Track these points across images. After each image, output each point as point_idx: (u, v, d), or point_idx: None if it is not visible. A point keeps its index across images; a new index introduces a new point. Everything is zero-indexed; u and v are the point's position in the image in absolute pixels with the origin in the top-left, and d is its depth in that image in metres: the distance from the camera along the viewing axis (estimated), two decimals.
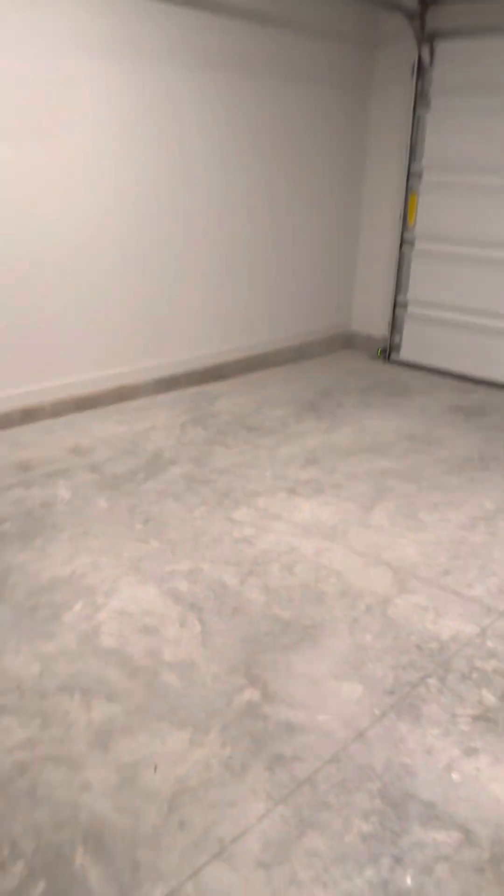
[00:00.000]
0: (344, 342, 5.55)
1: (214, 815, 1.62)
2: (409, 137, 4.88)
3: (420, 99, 4.78)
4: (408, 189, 4.98)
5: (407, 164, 4.93)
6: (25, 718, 1.86)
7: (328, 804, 1.66)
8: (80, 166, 3.66)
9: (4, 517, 2.84)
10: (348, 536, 2.81)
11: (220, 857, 1.52)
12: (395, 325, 5.29)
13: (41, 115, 3.45)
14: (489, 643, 2.22)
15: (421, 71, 4.72)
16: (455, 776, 1.74)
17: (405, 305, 5.20)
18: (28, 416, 3.75)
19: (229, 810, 1.63)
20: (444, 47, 4.62)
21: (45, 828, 1.57)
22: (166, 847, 1.54)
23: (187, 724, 1.86)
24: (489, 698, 1.99)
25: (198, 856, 1.52)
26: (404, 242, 5.09)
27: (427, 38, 4.63)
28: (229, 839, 1.56)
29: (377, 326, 5.39)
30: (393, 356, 5.31)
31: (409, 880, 1.49)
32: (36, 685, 1.97)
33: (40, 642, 2.14)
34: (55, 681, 1.99)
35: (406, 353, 5.25)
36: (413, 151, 4.89)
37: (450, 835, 1.59)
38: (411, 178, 4.94)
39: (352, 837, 1.58)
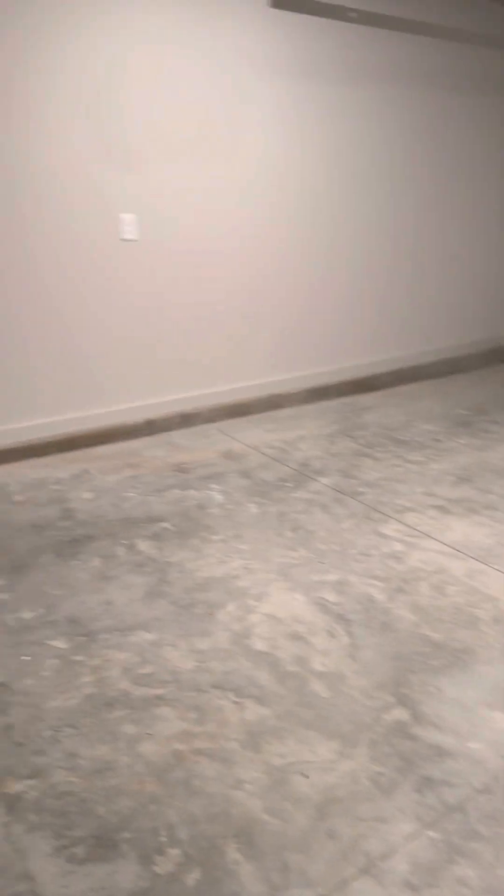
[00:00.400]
0: (502, 356, 5.36)
1: (363, 828, 1.63)
2: None
3: None
4: None
5: None
6: (182, 711, 1.96)
7: (479, 834, 1.62)
8: (247, 181, 3.79)
9: (165, 516, 3.00)
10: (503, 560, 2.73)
11: (367, 872, 1.53)
12: None
13: (214, 134, 3.61)
14: None
15: None
16: None
17: None
18: (186, 420, 3.93)
19: (378, 826, 1.64)
20: None
21: (200, 819, 1.66)
22: (315, 854, 1.58)
23: (336, 735, 1.89)
24: None
25: (345, 867, 1.55)
26: None
27: None
28: (377, 855, 1.57)
29: None
30: None
31: None
32: (192, 680, 2.07)
33: (196, 639, 2.25)
34: (210, 677, 2.08)
35: None
36: None
37: None
38: None
39: (503, 871, 1.54)
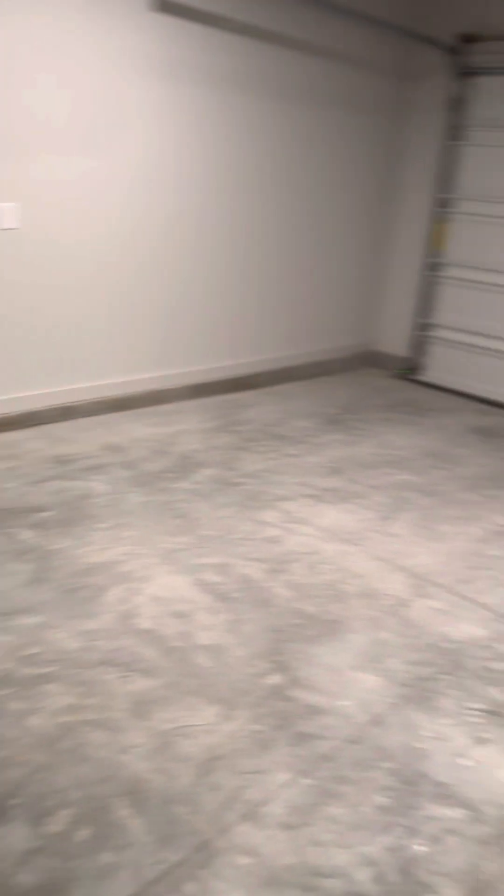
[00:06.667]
0: (368, 360, 5.71)
1: (243, 781, 1.77)
2: (438, 168, 5.06)
3: (453, 131, 4.96)
4: (436, 217, 5.16)
5: (436, 193, 5.11)
6: (68, 686, 2.02)
7: (347, 778, 1.80)
8: (126, 180, 3.86)
9: (46, 506, 3.01)
10: (369, 542, 2.96)
11: (248, 818, 1.67)
12: (418, 346, 5.45)
13: (96, 133, 3.66)
14: (500, 647, 2.36)
15: (455, 104, 4.90)
16: (465, 761, 1.88)
17: (428, 328, 5.36)
18: (66, 413, 3.94)
19: (257, 777, 1.78)
20: (479, 83, 4.82)
21: (90, 782, 1.73)
22: (199, 805, 1.69)
23: (217, 701, 2.01)
24: (499, 696, 2.13)
25: (228, 815, 1.67)
26: (429, 267, 5.26)
27: (463, 73, 4.83)
28: (256, 802, 1.71)
29: (401, 346, 5.55)
30: (416, 377, 5.46)
31: (420, 848, 1.63)
32: (78, 658, 2.13)
33: (81, 620, 2.30)
34: (96, 655, 2.15)
35: (430, 374, 5.40)
36: (442, 181, 5.07)
37: (459, 812, 1.73)
38: (439, 206, 5.12)
39: (368, 808, 1.72)
